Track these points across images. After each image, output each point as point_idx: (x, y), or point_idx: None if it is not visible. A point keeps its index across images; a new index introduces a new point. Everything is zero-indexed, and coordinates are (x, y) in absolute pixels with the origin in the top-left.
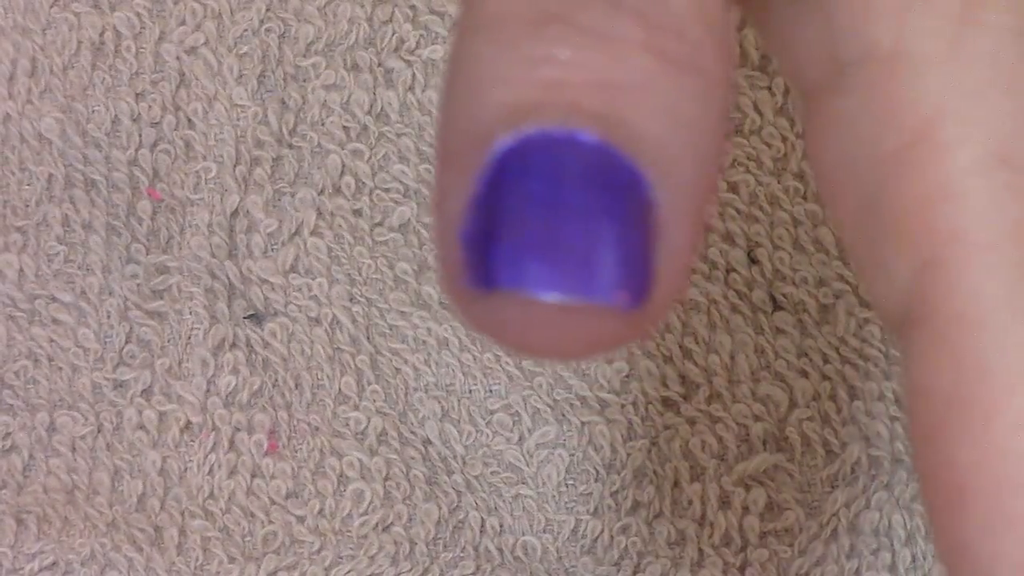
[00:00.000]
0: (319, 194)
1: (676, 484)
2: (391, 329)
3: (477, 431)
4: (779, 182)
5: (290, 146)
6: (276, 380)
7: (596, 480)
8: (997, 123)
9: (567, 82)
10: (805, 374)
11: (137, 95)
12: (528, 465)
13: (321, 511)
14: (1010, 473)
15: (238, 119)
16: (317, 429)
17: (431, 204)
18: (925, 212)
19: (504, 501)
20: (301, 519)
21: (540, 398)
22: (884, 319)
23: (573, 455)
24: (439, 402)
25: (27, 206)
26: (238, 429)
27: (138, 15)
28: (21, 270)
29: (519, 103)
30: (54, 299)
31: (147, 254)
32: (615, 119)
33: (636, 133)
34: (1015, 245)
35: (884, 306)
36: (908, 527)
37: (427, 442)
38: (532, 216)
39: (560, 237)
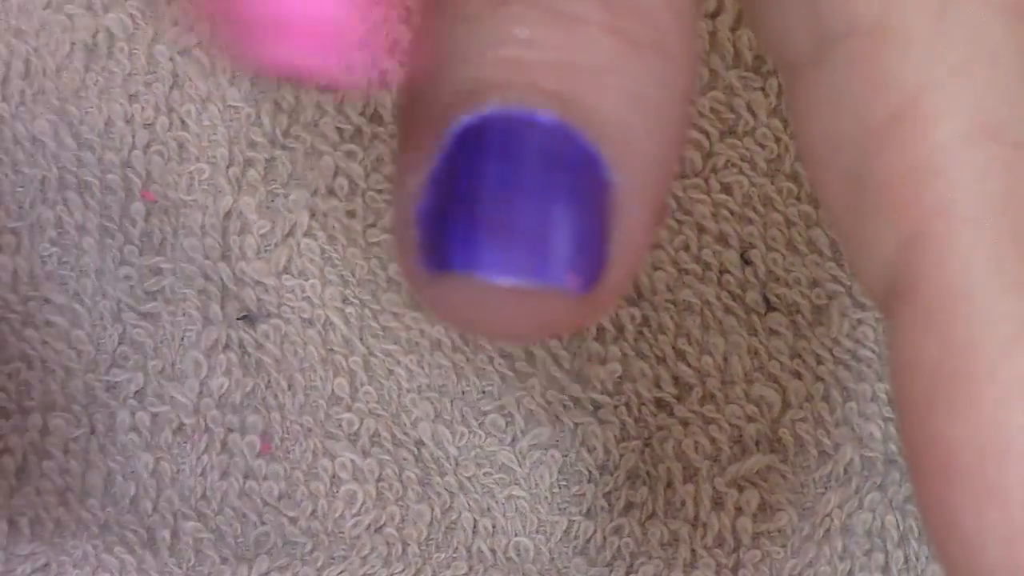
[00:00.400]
0: (312, 195)
1: (669, 485)
2: (384, 330)
3: (470, 432)
4: (773, 183)
5: (283, 147)
6: (269, 381)
7: (589, 481)
8: (981, 96)
9: (527, 62)
10: (798, 375)
11: (130, 97)
12: (521, 466)
13: (314, 512)
14: (996, 446)
15: (231, 120)
16: (310, 430)
17: (395, 177)
18: (910, 185)
19: (497, 502)
20: (294, 520)
21: (533, 399)
22: (870, 294)
23: (566, 456)
24: (432, 403)
25: (20, 208)
26: (231, 430)
27: (131, 16)
28: (15, 272)
29: (479, 81)
30: (47, 301)
31: (140, 256)
32: (573, 100)
33: (595, 114)
34: (1000, 217)
35: (870, 280)
36: (901, 528)
37: (420, 443)
38: (486, 197)
39: (513, 219)
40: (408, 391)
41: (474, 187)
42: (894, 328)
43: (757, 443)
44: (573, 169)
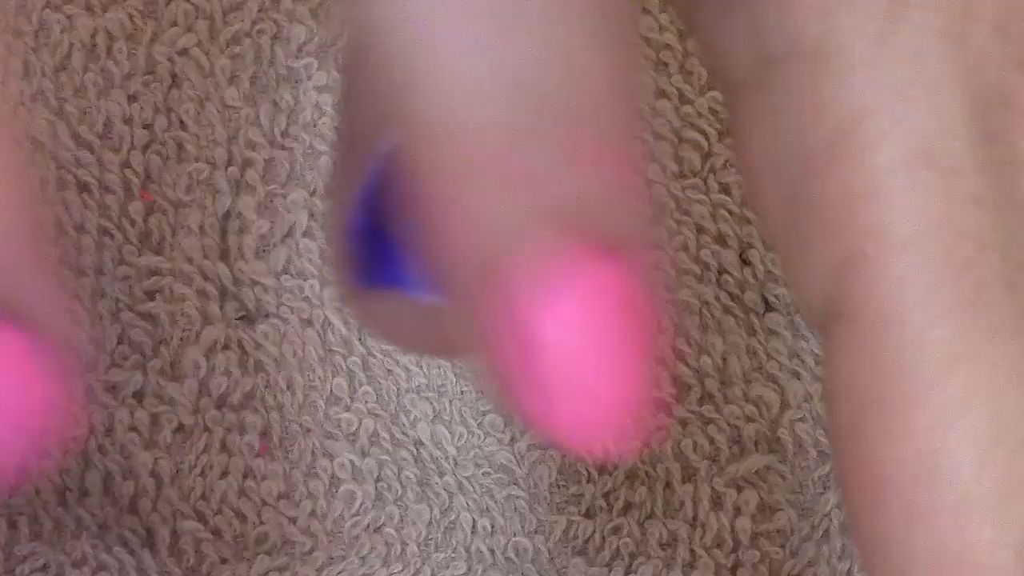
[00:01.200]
0: (311, 195)
1: (668, 485)
2: None
3: (469, 432)
4: None
5: (282, 147)
6: (268, 381)
7: (588, 481)
8: (919, 122)
9: None
10: (797, 375)
11: (129, 97)
12: (520, 466)
13: (313, 512)
14: (926, 471)
15: (230, 120)
16: (309, 430)
17: (332, 184)
18: (847, 208)
19: (496, 502)
20: (293, 520)
21: None
22: (806, 316)
23: (565, 456)
24: (431, 403)
25: None
26: (230, 430)
27: (130, 16)
28: None
29: None
30: None
31: (139, 255)
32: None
33: None
34: (934, 243)
35: (806, 302)
36: None
37: (419, 443)
38: (403, 214)
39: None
40: (407, 391)
41: (401, 208)
42: (828, 350)
43: (756, 443)
44: None
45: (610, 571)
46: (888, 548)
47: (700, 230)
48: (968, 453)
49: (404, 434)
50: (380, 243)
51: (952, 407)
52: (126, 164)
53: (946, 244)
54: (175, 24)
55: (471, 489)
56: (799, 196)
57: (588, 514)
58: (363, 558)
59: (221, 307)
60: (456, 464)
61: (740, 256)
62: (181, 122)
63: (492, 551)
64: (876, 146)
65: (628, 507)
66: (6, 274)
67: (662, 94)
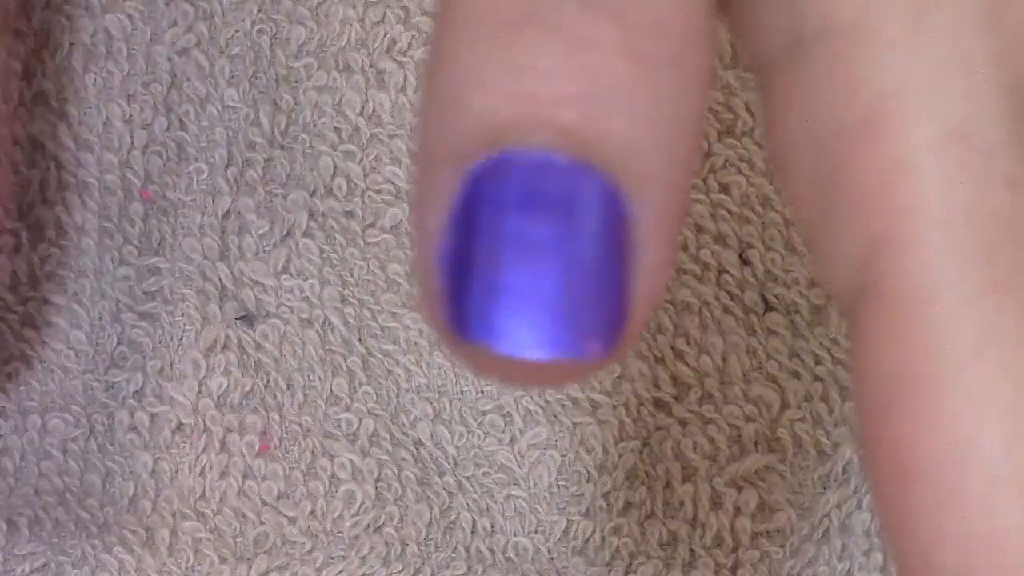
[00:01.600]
0: (311, 195)
1: (668, 485)
2: (383, 330)
3: (469, 432)
4: (771, 183)
5: (282, 147)
6: (268, 381)
7: (588, 481)
8: (954, 102)
9: (542, 97)
10: (797, 375)
11: (129, 97)
12: (520, 466)
13: (312, 512)
14: (956, 453)
15: (230, 120)
16: (308, 430)
17: (411, 205)
18: (880, 187)
19: (496, 502)
20: (292, 520)
21: (532, 399)
22: (834, 297)
23: (564, 456)
24: (431, 403)
25: (19, 209)
26: (229, 430)
27: (129, 17)
28: (14, 273)
29: (494, 119)
30: (46, 302)
31: (139, 256)
32: (590, 137)
33: (611, 148)
34: (968, 222)
35: (835, 283)
36: None
37: (419, 443)
38: (505, 259)
39: (533, 284)
40: (407, 391)
41: (492, 246)
42: (857, 331)
43: (756, 443)
44: (594, 217)
45: (610, 571)
46: (916, 531)
47: (700, 230)
48: (998, 435)
49: (404, 434)
50: (474, 292)
51: (982, 389)
52: (126, 164)
53: (979, 224)
54: (175, 24)
55: (471, 489)
56: (831, 175)
57: (588, 514)
58: (363, 558)
59: (221, 307)
60: (456, 464)
61: (740, 256)
62: (180, 122)
63: (492, 551)
64: (910, 125)
65: (628, 507)
66: None
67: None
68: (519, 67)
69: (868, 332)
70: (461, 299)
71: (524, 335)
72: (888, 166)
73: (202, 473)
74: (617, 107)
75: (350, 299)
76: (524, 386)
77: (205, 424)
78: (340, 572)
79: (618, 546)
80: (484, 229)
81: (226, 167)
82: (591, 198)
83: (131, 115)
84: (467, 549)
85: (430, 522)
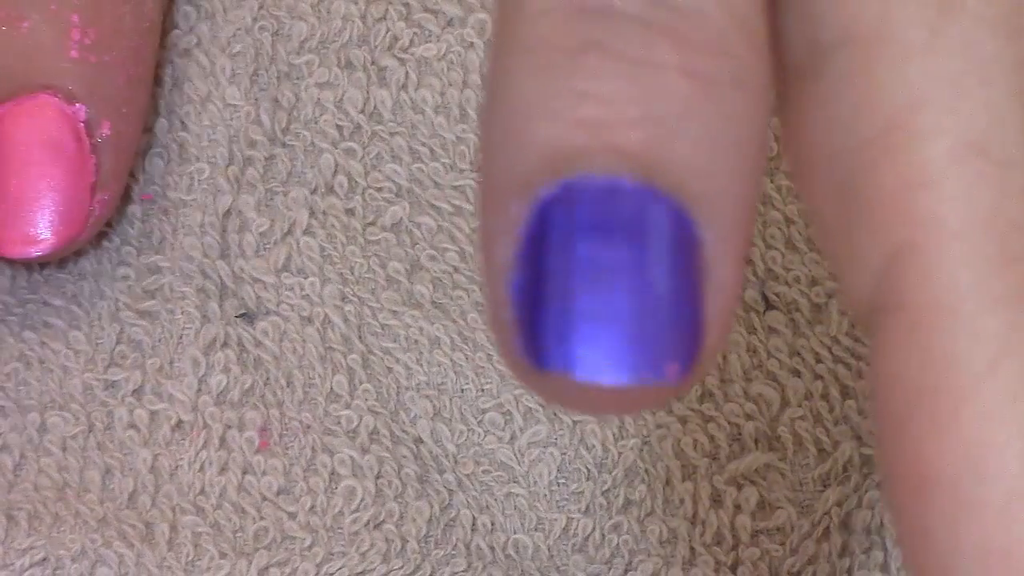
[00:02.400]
0: (312, 193)
1: (668, 483)
2: (383, 328)
3: (469, 430)
4: (772, 181)
5: (283, 145)
6: (268, 379)
7: (587, 479)
8: (973, 113)
9: (607, 122)
10: (797, 373)
11: None
12: (520, 464)
13: (312, 508)
14: (975, 464)
15: (231, 119)
16: (309, 427)
17: (478, 238)
18: (900, 198)
19: (495, 499)
20: (292, 515)
21: (532, 397)
22: (852, 308)
23: (565, 454)
24: (431, 401)
25: None
26: (229, 427)
27: None
28: (13, 276)
29: (561, 146)
30: (45, 303)
31: (139, 256)
32: (657, 160)
33: (679, 171)
34: (988, 234)
35: (853, 294)
36: None
37: (419, 440)
38: (578, 286)
39: (608, 310)
40: (407, 389)
41: (565, 273)
42: (877, 342)
43: (756, 441)
44: (664, 240)
45: (610, 568)
46: (933, 543)
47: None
48: (1016, 448)
49: (404, 431)
50: (549, 321)
51: (1001, 400)
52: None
53: (999, 235)
54: (176, 27)
55: (471, 486)
56: (851, 185)
57: (588, 512)
58: (363, 554)
59: (220, 305)
60: (456, 461)
61: None
62: (182, 123)
63: (492, 548)
64: (930, 136)
65: (628, 504)
66: None
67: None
68: (582, 94)
69: (887, 343)
70: (536, 329)
71: (602, 361)
72: (908, 178)
73: (202, 469)
74: (681, 130)
75: (350, 297)
76: (603, 414)
77: (204, 420)
78: (340, 568)
79: (618, 544)
80: (555, 258)
81: (227, 165)
82: (659, 221)
83: None
84: (467, 546)
85: (430, 519)
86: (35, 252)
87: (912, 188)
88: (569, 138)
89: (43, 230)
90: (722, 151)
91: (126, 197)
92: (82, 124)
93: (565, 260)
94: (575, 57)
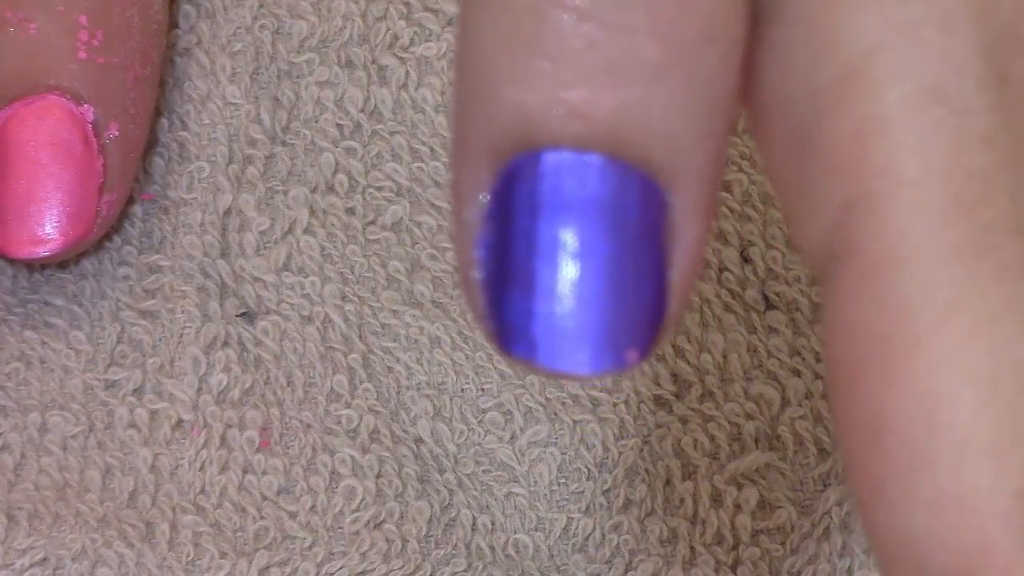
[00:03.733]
0: (312, 192)
1: (668, 482)
2: (383, 327)
3: (469, 429)
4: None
5: (283, 143)
6: (268, 378)
7: (588, 478)
8: (931, 61)
9: (572, 87)
10: (798, 373)
11: None
12: (520, 463)
13: (313, 507)
14: (926, 413)
15: (231, 117)
16: (309, 426)
17: (450, 195)
18: (854, 146)
19: (496, 499)
20: (293, 515)
21: (532, 397)
22: (807, 258)
23: (565, 453)
24: (431, 400)
25: None
26: (230, 426)
27: None
28: (15, 276)
29: (527, 114)
30: (47, 303)
31: (139, 255)
32: (624, 129)
33: (647, 141)
34: (943, 183)
35: (808, 243)
36: None
37: (419, 440)
38: (540, 265)
39: (569, 294)
40: (407, 388)
41: (529, 251)
42: (831, 291)
43: (756, 440)
44: (629, 209)
45: (610, 568)
46: (885, 492)
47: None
48: (968, 397)
49: (404, 431)
50: (513, 305)
51: (953, 350)
52: None
53: (954, 184)
54: (176, 26)
55: (471, 486)
56: (806, 133)
57: (588, 511)
58: (363, 554)
59: (221, 304)
60: (456, 461)
61: (741, 254)
62: (182, 122)
63: (492, 548)
64: (887, 83)
65: (628, 504)
66: None
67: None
68: (548, 56)
69: (840, 291)
70: (502, 309)
71: (564, 350)
72: (862, 125)
73: (202, 468)
74: (651, 96)
75: (351, 296)
76: (568, 382)
77: (205, 420)
78: (340, 568)
79: (618, 543)
80: (519, 234)
81: (227, 164)
82: (626, 192)
83: None
84: (467, 546)
85: (430, 519)
86: (43, 252)
87: (867, 136)
88: (535, 103)
89: (51, 230)
90: (692, 114)
91: (128, 198)
92: (90, 125)
93: (528, 238)
94: (542, 17)
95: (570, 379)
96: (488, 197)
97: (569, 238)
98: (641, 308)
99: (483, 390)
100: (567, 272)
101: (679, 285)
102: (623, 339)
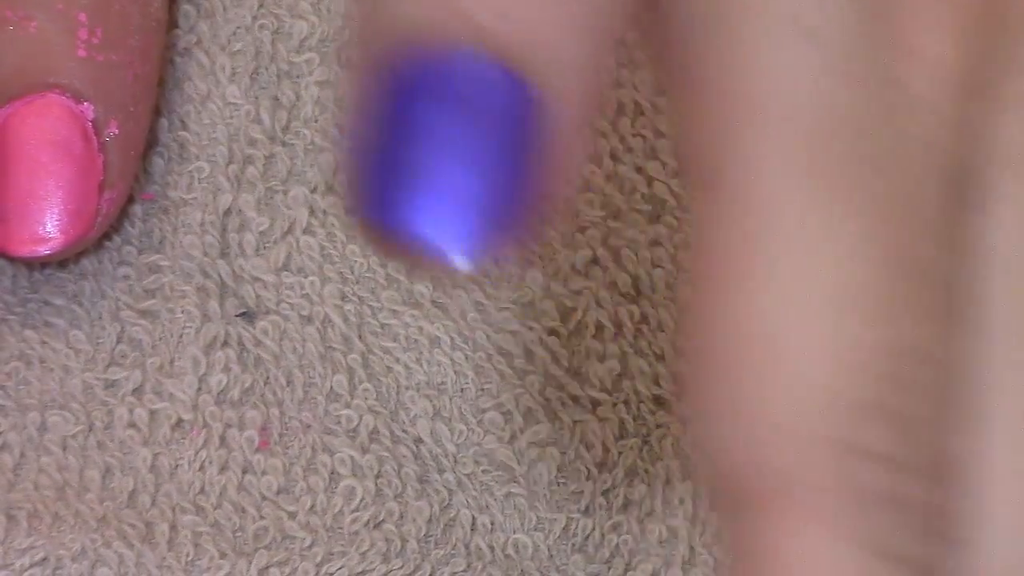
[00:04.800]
0: (312, 192)
1: (668, 482)
2: (383, 327)
3: (468, 429)
4: None
5: (283, 143)
6: (268, 378)
7: (588, 479)
8: None
9: None
10: None
11: None
12: (519, 463)
13: (312, 507)
14: (764, 340)
15: (231, 117)
16: (308, 426)
17: (344, 95)
18: (722, 78)
19: (495, 499)
20: (292, 515)
21: (532, 397)
22: (684, 182)
23: (565, 454)
24: (431, 400)
25: None
26: (229, 426)
27: None
28: (14, 275)
29: (414, 21)
30: (47, 303)
31: (139, 255)
32: (506, 33)
33: (528, 45)
34: (798, 114)
35: (686, 179)
36: None
37: (418, 440)
38: (422, 154)
39: (448, 186)
40: (407, 388)
41: (409, 142)
42: (694, 216)
43: None
44: (508, 112)
45: (609, 568)
46: (714, 417)
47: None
48: (806, 329)
49: (404, 431)
50: (390, 184)
51: (798, 279)
52: None
53: (811, 117)
54: (176, 26)
55: (471, 486)
56: (684, 67)
57: (588, 511)
58: (363, 554)
59: (221, 304)
60: (456, 461)
61: None
62: (182, 122)
63: (491, 548)
64: (751, 15)
65: (628, 504)
66: None
67: (664, 91)
68: None
69: (702, 218)
70: (380, 193)
71: (435, 233)
72: (727, 57)
73: (201, 468)
74: (533, 4)
75: (350, 296)
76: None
77: (205, 420)
78: (340, 568)
79: (618, 544)
80: (401, 126)
81: (227, 164)
82: (506, 93)
83: None
84: (467, 546)
85: (430, 519)
86: (43, 251)
87: (729, 67)
88: (423, 12)
89: (51, 229)
90: (573, 23)
91: (128, 197)
92: (90, 123)
93: (411, 131)
94: None
95: (433, 258)
96: (375, 101)
97: (449, 128)
98: (509, 202)
99: (483, 390)
100: (445, 159)
101: (545, 188)
102: (500, 234)
